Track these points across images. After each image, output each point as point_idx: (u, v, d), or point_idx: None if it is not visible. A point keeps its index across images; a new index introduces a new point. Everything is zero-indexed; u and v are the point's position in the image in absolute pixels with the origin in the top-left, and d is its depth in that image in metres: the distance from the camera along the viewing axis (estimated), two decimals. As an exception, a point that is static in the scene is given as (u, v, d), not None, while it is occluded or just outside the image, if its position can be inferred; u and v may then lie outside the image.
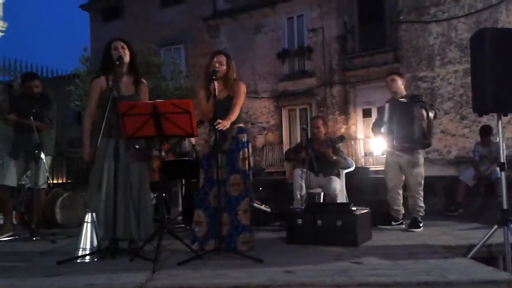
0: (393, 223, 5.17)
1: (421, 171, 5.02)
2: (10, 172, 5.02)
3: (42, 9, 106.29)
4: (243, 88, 3.89)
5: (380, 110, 5.37)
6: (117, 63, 3.69)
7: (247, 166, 3.83)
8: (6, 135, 6.71)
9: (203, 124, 4.18)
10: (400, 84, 5.17)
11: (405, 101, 5.04)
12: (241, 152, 3.80)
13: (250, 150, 3.95)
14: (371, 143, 14.91)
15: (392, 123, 5.03)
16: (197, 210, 3.82)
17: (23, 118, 4.91)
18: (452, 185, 6.57)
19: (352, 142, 15.74)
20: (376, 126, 5.31)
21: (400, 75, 5.34)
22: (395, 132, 5.00)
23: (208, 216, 3.76)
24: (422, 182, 5.02)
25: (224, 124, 3.59)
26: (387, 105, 5.15)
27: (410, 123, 4.91)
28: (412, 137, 4.92)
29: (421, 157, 5.03)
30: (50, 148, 5.24)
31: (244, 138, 3.86)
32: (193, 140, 6.17)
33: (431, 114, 4.86)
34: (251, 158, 3.93)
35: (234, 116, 3.75)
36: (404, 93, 5.21)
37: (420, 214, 4.99)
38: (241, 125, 3.91)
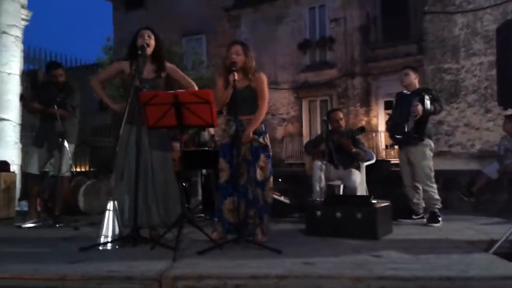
0: (414, 217, 5.12)
1: (429, 163, 4.95)
2: (33, 160, 5.12)
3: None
4: (265, 81, 3.85)
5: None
6: (140, 52, 3.71)
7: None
8: (30, 124, 6.85)
9: (222, 114, 4.19)
10: (412, 78, 5.14)
11: (408, 93, 5.03)
12: (261, 139, 3.79)
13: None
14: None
15: (395, 116, 5.06)
16: (229, 199, 3.77)
17: (47, 107, 5.00)
18: (476, 180, 6.48)
19: (374, 135, 15.60)
20: (388, 121, 5.38)
21: (414, 69, 5.28)
22: (396, 124, 5.03)
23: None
24: (432, 174, 4.95)
25: (248, 136, 3.67)
26: (394, 98, 5.23)
27: (406, 116, 4.89)
28: (404, 129, 4.90)
29: (427, 149, 4.97)
30: (74, 136, 5.32)
31: (263, 128, 3.84)
32: (212, 130, 6.19)
33: (428, 107, 4.80)
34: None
35: (258, 121, 3.77)
36: (416, 86, 5.17)
37: (437, 207, 4.92)
38: None
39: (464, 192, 6.28)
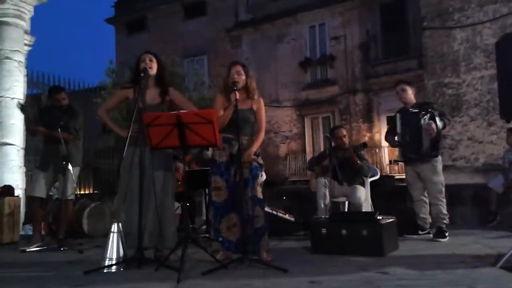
0: (420, 232, 5.08)
1: (441, 178, 4.94)
2: (39, 183, 5.13)
3: (69, 23, 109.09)
4: (263, 107, 3.96)
5: (391, 120, 5.36)
6: (142, 74, 3.75)
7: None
8: (34, 147, 6.89)
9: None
10: (410, 93, 5.16)
11: (416, 111, 4.99)
12: (259, 158, 3.85)
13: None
14: (396, 151, 14.74)
15: (405, 133, 5.03)
16: (228, 216, 3.76)
17: (51, 130, 5.03)
18: (480, 193, 6.43)
19: (377, 150, 15.59)
20: (389, 136, 5.36)
21: (410, 84, 5.30)
22: (407, 142, 5.01)
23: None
24: (443, 189, 4.94)
25: (250, 155, 3.71)
26: (398, 115, 5.19)
27: (418, 135, 4.88)
28: (420, 148, 4.89)
29: (439, 164, 4.96)
30: (78, 159, 5.34)
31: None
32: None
33: (439, 124, 4.81)
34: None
35: (260, 141, 3.85)
36: (414, 101, 5.18)
37: (445, 222, 4.89)
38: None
39: (488, 218, 6.17)
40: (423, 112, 4.91)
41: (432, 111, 4.87)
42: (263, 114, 3.93)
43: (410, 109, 5.08)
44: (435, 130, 4.76)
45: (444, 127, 4.97)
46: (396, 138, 5.16)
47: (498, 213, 6.04)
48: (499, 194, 6.10)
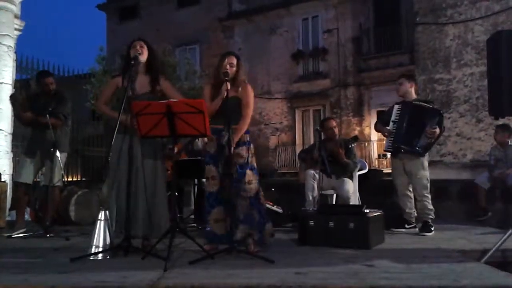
0: (406, 226, 5.13)
1: (426, 174, 4.96)
2: (25, 169, 5.09)
3: (60, 9, 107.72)
4: (252, 93, 3.90)
5: (389, 110, 5.31)
6: (133, 62, 3.72)
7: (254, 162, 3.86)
8: (21, 133, 6.82)
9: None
10: (407, 87, 5.13)
11: (426, 106, 4.97)
12: (246, 148, 3.81)
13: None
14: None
15: (401, 123, 5.00)
16: (218, 208, 3.77)
17: (39, 116, 4.98)
18: (467, 189, 6.49)
19: (366, 144, 15.66)
20: (379, 124, 5.38)
21: (409, 78, 5.28)
22: (400, 133, 4.98)
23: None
24: (428, 185, 4.96)
25: (235, 140, 3.67)
26: (396, 106, 5.12)
27: (417, 132, 4.88)
28: (412, 143, 4.90)
29: (425, 160, 4.98)
30: (65, 145, 5.30)
31: (247, 138, 3.86)
32: (205, 139, 6.18)
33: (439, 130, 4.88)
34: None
35: (242, 130, 3.78)
36: (414, 96, 5.17)
37: (430, 217, 4.93)
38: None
39: (477, 213, 6.18)
40: (430, 115, 4.90)
41: (440, 120, 4.91)
42: (250, 102, 3.87)
43: (416, 103, 5.03)
44: (435, 136, 4.84)
45: (440, 133, 5.01)
46: (388, 127, 5.12)
47: (488, 209, 6.09)
48: (485, 191, 6.16)
